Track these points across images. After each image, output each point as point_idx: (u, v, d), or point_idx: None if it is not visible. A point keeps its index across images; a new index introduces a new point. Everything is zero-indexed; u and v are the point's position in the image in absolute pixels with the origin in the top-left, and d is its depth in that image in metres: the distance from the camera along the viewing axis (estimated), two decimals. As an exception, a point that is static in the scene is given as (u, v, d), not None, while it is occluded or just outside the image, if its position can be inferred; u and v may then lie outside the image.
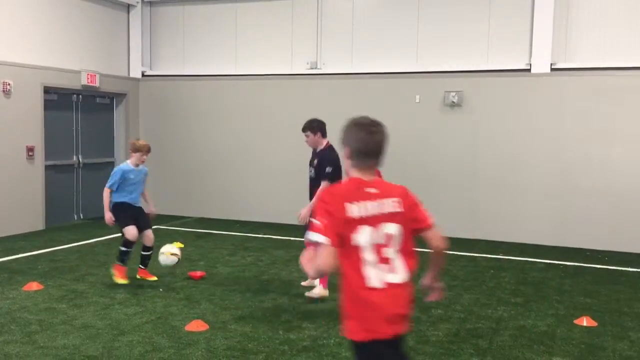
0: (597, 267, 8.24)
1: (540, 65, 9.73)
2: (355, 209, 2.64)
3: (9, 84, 9.54)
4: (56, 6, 10.65)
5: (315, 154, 6.65)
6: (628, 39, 9.37)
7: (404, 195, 2.82)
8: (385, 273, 2.68)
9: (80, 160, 11.35)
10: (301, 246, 9.24)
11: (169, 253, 6.71)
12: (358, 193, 2.69)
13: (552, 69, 9.70)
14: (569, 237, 9.58)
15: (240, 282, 7.03)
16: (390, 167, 10.95)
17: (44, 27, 10.42)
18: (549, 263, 8.40)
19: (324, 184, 6.22)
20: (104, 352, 4.75)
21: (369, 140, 2.77)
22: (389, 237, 2.70)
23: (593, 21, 9.55)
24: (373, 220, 2.66)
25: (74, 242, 9.11)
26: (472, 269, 7.95)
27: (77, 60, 11.02)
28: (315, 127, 6.61)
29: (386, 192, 2.76)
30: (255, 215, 11.43)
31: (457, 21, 10.28)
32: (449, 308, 6.12)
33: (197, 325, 5.33)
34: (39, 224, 10.19)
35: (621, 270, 8.11)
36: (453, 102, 10.12)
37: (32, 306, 5.90)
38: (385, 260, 2.67)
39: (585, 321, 5.70)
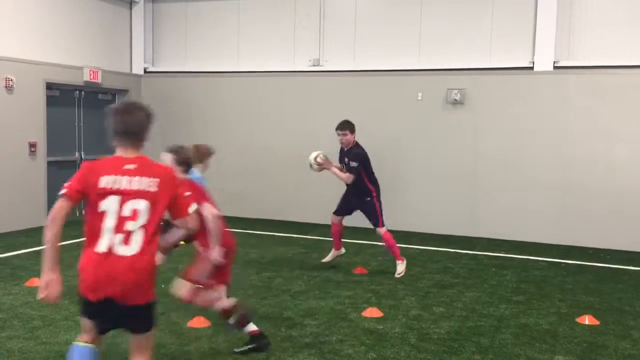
0: (599, 266, 8.23)
1: (543, 63, 9.71)
2: (106, 181, 3.02)
3: (11, 80, 9.54)
4: (59, 2, 10.64)
5: (344, 152, 7.30)
6: (631, 37, 9.36)
7: (165, 179, 3.09)
8: (117, 243, 2.99)
9: (82, 156, 11.35)
10: (302, 243, 9.26)
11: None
12: (114, 168, 3.05)
13: (554, 67, 9.69)
14: (570, 235, 9.58)
15: (243, 278, 7.04)
16: (393, 164, 10.97)
17: (46, 23, 10.42)
18: (551, 261, 8.40)
19: (350, 175, 7.14)
20: (105, 348, 4.74)
21: (122, 121, 3.11)
22: (135, 211, 2.99)
23: (596, 19, 9.54)
24: (123, 193, 2.98)
25: (76, 239, 9.09)
26: (473, 267, 7.95)
27: (79, 56, 11.02)
28: (353, 127, 7.28)
29: (145, 171, 3.05)
30: (256, 212, 11.43)
31: (460, 18, 10.26)
32: (450, 306, 6.12)
33: (199, 322, 5.34)
34: (40, 220, 10.16)
35: (623, 269, 8.10)
36: (455, 99, 10.11)
37: (34, 302, 5.90)
38: (123, 232, 2.97)
39: (587, 320, 5.70)
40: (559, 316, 5.89)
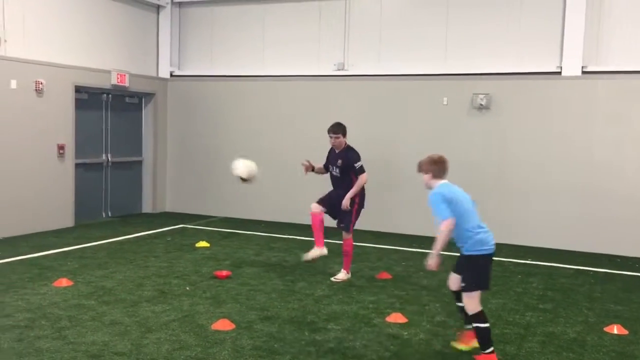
0: (628, 274, 8.08)
1: (571, 68, 9.59)
2: None
3: (41, 83, 9.71)
4: (88, 7, 10.81)
5: (335, 154, 7.30)
6: (662, 41, 9.19)
7: None
8: None
9: (109, 158, 11.51)
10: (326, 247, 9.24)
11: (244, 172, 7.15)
12: None
13: (583, 72, 9.55)
14: (598, 243, 9.42)
15: (266, 282, 7.06)
16: (415, 168, 10.88)
17: (75, 28, 10.59)
18: (578, 269, 8.27)
19: (363, 176, 7.14)
20: (132, 349, 4.80)
21: None
22: None
23: (625, 24, 9.38)
24: None
25: (102, 240, 9.24)
26: (499, 273, 7.85)
27: (107, 60, 11.19)
28: (345, 130, 7.29)
29: None
30: (280, 215, 11.46)
31: (487, 23, 10.19)
32: (476, 313, 6.05)
33: (223, 325, 5.36)
34: (68, 221, 10.35)
35: (653, 277, 7.94)
36: (481, 104, 10.03)
37: (62, 302, 5.99)
38: None
39: (615, 329, 5.60)
40: (586, 325, 5.79)
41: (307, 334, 5.29)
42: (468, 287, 4.69)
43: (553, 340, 5.31)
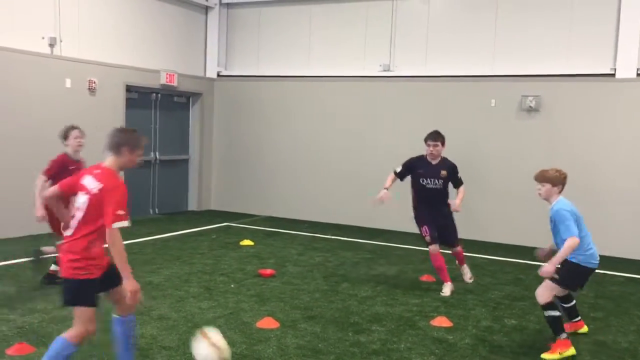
0: (682, 284, 7.79)
1: (626, 70, 9.30)
2: (82, 179, 3.84)
3: (94, 82, 9.99)
4: (139, 8, 11.07)
5: (433, 165, 6.85)
6: None
7: (106, 186, 3.72)
8: (68, 228, 3.77)
9: (157, 156, 11.74)
10: (368, 248, 9.23)
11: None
12: (88, 170, 3.93)
13: (638, 74, 9.26)
14: (651, 250, 9.12)
15: (309, 282, 7.08)
16: (466, 172, 10.76)
17: (127, 28, 10.86)
18: (630, 277, 8.02)
19: (463, 187, 7.00)
20: (179, 344, 4.89)
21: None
22: (80, 204, 3.74)
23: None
24: (82, 189, 3.76)
25: (150, 236, 9.43)
26: (546, 279, 7.67)
27: (157, 60, 11.43)
28: (444, 139, 6.92)
29: (98, 176, 3.78)
30: (323, 216, 11.48)
31: (537, 23, 9.98)
32: (523, 319, 5.95)
33: (268, 323, 5.41)
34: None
35: None
36: (530, 106, 9.83)
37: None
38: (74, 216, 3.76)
39: (670, 340, 5.41)
40: (639, 335, 5.61)
41: (350, 334, 5.28)
42: (560, 281, 4.94)
43: (604, 350, 5.16)
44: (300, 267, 7.86)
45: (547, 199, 5.17)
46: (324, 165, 11.57)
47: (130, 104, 10.88)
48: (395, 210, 10.90)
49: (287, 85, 11.97)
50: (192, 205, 12.60)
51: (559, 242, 5.00)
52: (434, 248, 6.77)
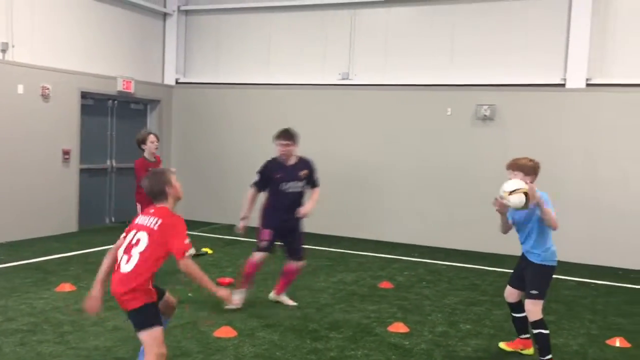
0: (630, 287, 8.06)
1: (576, 81, 9.61)
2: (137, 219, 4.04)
3: (47, 89, 9.77)
4: (95, 13, 10.89)
5: (290, 166, 6.20)
6: (667, 55, 9.21)
7: (163, 223, 3.87)
8: (123, 263, 3.85)
9: (114, 164, 11.55)
10: (328, 256, 9.26)
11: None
12: (145, 211, 4.09)
13: (587, 85, 9.57)
14: (600, 255, 9.41)
15: (268, 289, 7.05)
16: (421, 179, 10.91)
17: (83, 34, 10.67)
18: (581, 281, 8.25)
19: (318, 190, 6.45)
20: (134, 356, 4.80)
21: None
22: (138, 240, 3.85)
23: (631, 36, 9.40)
24: (138, 227, 3.92)
25: (106, 245, 9.23)
26: (501, 284, 7.78)
27: (113, 66, 11.25)
28: (298, 137, 6.35)
29: (154, 214, 3.95)
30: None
31: (492, 34, 10.23)
32: (478, 323, 6.06)
33: (225, 332, 5.37)
34: (72, 226, 10.38)
35: (656, 291, 7.93)
36: (485, 115, 10.05)
37: (64, 307, 6.00)
38: (128, 253, 3.86)
39: (618, 342, 5.59)
40: (589, 337, 5.78)
41: (308, 342, 5.29)
42: (540, 295, 4.85)
43: (555, 352, 5.28)
44: (259, 275, 7.80)
45: None
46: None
47: (85, 110, 10.68)
48: (354, 217, 11.00)
49: (247, 92, 11.94)
50: (150, 214, 12.40)
51: (525, 239, 5.03)
52: (261, 257, 6.21)
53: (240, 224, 6.33)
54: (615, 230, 9.34)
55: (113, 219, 11.63)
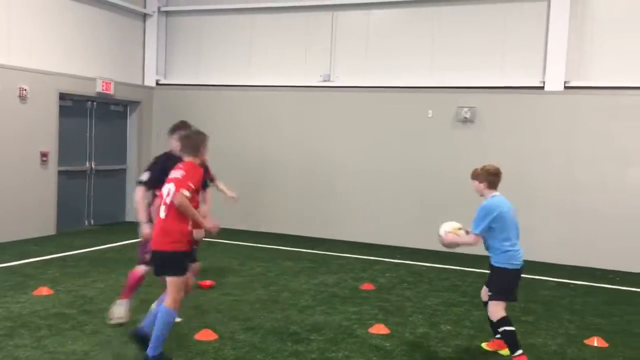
0: (608, 288, 8.17)
1: (554, 83, 9.72)
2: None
3: (25, 90, 9.64)
4: (73, 14, 10.77)
5: (175, 159, 5.13)
6: (643, 58, 9.35)
7: (186, 169, 4.66)
8: (161, 212, 4.62)
9: (93, 166, 11.42)
10: (309, 258, 9.25)
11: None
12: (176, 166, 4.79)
13: (565, 87, 9.69)
14: (578, 256, 9.52)
15: (249, 292, 7.04)
16: (401, 181, 10.92)
17: (61, 35, 10.54)
18: (559, 282, 8.34)
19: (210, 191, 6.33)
20: None
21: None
22: (168, 191, 4.59)
23: (608, 40, 9.53)
24: (169, 180, 4.66)
25: (84, 248, 9.15)
26: (481, 285, 7.86)
27: (92, 67, 11.14)
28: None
29: (182, 167, 4.69)
30: (264, 225, 11.44)
31: (472, 37, 10.30)
32: (458, 324, 6.09)
33: (206, 335, 5.34)
34: (50, 229, 10.25)
35: (634, 291, 8.04)
36: (465, 117, 10.13)
37: (42, 311, 5.92)
38: (165, 204, 4.61)
39: (596, 342, 5.65)
40: (567, 337, 5.84)
41: (289, 344, 5.28)
42: (494, 296, 5.02)
43: (534, 352, 5.34)
44: (241, 277, 7.80)
45: (481, 195, 5.37)
46: (267, 174, 11.54)
47: (64, 112, 10.55)
48: (337, 219, 11.01)
49: (228, 94, 11.90)
50: (130, 216, 12.29)
51: (484, 244, 5.18)
52: (146, 270, 5.52)
53: (145, 232, 5.35)
54: (594, 231, 9.45)
55: (92, 222, 11.50)
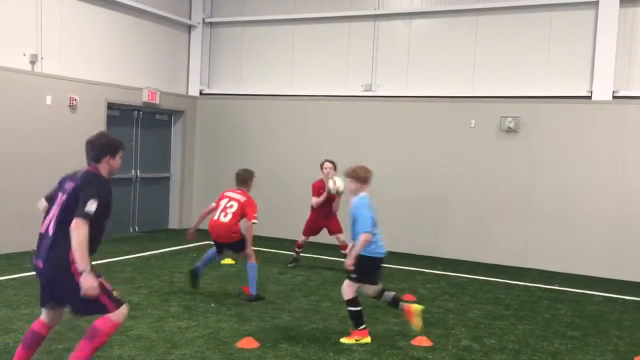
0: (658, 303, 7.90)
1: (602, 93, 9.51)
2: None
3: (75, 99, 9.94)
4: (122, 26, 11.08)
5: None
6: (696, 67, 9.06)
7: (245, 199, 7.00)
8: (222, 216, 6.93)
9: (138, 174, 11.68)
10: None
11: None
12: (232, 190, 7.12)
13: (614, 97, 9.46)
14: (628, 270, 9.25)
15: (291, 301, 7.06)
16: (443, 191, 10.81)
17: (109, 46, 10.85)
18: (607, 296, 8.11)
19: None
20: (157, 364, 4.83)
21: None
22: (231, 204, 6.90)
23: (658, 48, 9.28)
24: (229, 197, 7.08)
25: (130, 254, 9.35)
26: (525, 298, 7.74)
27: (139, 77, 11.42)
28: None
29: (239, 193, 7.08)
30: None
31: (516, 46, 10.17)
32: (502, 338, 5.98)
33: (248, 343, 5.37)
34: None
35: (685, 307, 7.75)
36: (509, 127, 9.98)
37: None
38: (225, 212, 6.92)
39: (647, 359, 5.48)
40: (617, 354, 5.67)
41: (331, 354, 5.27)
42: (356, 279, 5.57)
43: (582, 369, 5.21)
44: (282, 286, 7.84)
45: (356, 194, 5.61)
46: (306, 184, 11.55)
47: (111, 121, 10.83)
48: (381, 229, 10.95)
49: (269, 104, 12.02)
50: (173, 224, 12.52)
51: (355, 235, 5.51)
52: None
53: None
54: (643, 244, 9.17)
55: (137, 228, 11.74)
